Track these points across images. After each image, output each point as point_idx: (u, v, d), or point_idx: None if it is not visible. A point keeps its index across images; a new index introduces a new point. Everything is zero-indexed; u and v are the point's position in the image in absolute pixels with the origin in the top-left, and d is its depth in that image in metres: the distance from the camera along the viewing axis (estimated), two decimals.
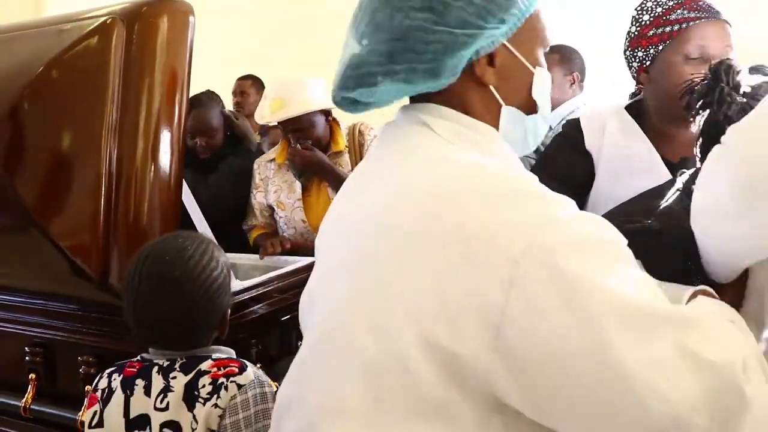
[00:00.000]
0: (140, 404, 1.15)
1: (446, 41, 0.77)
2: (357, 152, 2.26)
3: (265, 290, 1.64)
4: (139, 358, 1.22)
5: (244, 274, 1.89)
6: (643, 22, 1.36)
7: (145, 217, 1.36)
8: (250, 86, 3.74)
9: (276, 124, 2.46)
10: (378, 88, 0.80)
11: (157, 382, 1.15)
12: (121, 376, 1.19)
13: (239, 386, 1.14)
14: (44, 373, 1.56)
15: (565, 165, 1.39)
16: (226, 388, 1.13)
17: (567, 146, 1.43)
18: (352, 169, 2.22)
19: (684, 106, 1.06)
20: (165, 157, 1.38)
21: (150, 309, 1.16)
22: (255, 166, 2.41)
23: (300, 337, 1.60)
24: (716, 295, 0.84)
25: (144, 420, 1.15)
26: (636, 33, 1.37)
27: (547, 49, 0.86)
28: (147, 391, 1.15)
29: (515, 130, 0.85)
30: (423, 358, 0.69)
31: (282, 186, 2.33)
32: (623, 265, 0.71)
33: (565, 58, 2.56)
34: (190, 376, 1.15)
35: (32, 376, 1.56)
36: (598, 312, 0.66)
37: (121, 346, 1.47)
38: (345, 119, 2.34)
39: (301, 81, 2.25)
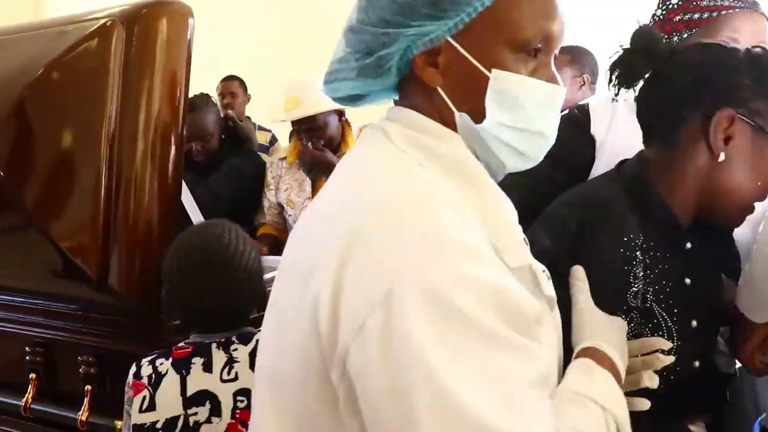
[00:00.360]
0: (199, 381, 1.20)
1: (368, 41, 0.74)
2: None
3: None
4: (184, 343, 1.26)
5: None
6: (671, 5, 1.25)
7: (145, 218, 1.37)
8: (238, 87, 3.75)
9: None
10: (338, 84, 0.80)
11: (219, 356, 1.21)
12: (170, 359, 1.23)
13: None
14: (44, 373, 1.56)
15: (565, 144, 1.11)
16: None
17: (571, 126, 1.27)
18: None
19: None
20: (164, 159, 1.38)
21: (199, 297, 1.22)
22: (267, 164, 2.45)
23: None
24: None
25: (203, 395, 1.20)
26: (661, 17, 1.26)
27: (531, 45, 0.73)
28: (207, 368, 1.21)
29: (472, 140, 0.76)
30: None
31: (292, 185, 2.35)
32: (497, 355, 0.63)
33: (575, 59, 2.53)
34: (251, 345, 1.22)
35: (32, 375, 1.57)
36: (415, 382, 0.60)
37: (122, 346, 1.48)
38: (357, 121, 2.35)
39: (315, 80, 2.26)
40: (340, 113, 2.30)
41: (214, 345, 1.23)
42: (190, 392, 1.20)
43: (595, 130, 1.29)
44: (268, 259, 1.91)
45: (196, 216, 1.58)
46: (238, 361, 1.21)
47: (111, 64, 1.37)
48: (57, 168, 1.42)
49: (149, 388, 1.22)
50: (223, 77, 3.76)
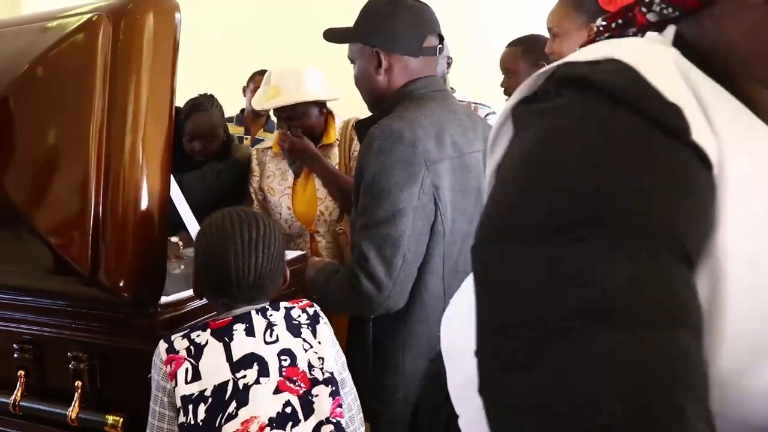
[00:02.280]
0: (243, 346, 1.28)
1: None
2: (347, 147, 2.31)
3: None
4: (223, 315, 1.33)
5: None
6: None
7: (134, 213, 1.37)
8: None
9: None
10: None
11: (259, 321, 1.31)
12: (208, 330, 1.29)
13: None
14: (33, 370, 1.56)
15: None
16: (317, 315, 1.38)
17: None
18: (340, 162, 2.27)
19: None
20: (153, 153, 1.38)
21: (250, 269, 1.30)
22: (253, 152, 2.47)
23: None
24: None
25: (250, 358, 1.28)
26: None
27: None
28: (249, 332, 1.29)
29: None
30: None
31: (275, 173, 2.38)
32: None
33: (528, 50, 2.47)
34: (282, 312, 1.35)
35: (21, 373, 1.56)
36: None
37: (112, 341, 1.48)
38: (343, 114, 2.39)
39: (297, 71, 2.29)
40: (321, 105, 2.32)
41: (253, 311, 1.32)
42: (236, 357, 1.27)
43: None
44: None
45: (185, 210, 1.58)
46: (277, 325, 1.32)
47: (98, 59, 1.36)
48: (45, 164, 1.42)
49: (190, 359, 1.26)
50: (256, 71, 3.60)
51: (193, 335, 1.28)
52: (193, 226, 1.61)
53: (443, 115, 1.53)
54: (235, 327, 1.29)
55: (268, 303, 1.36)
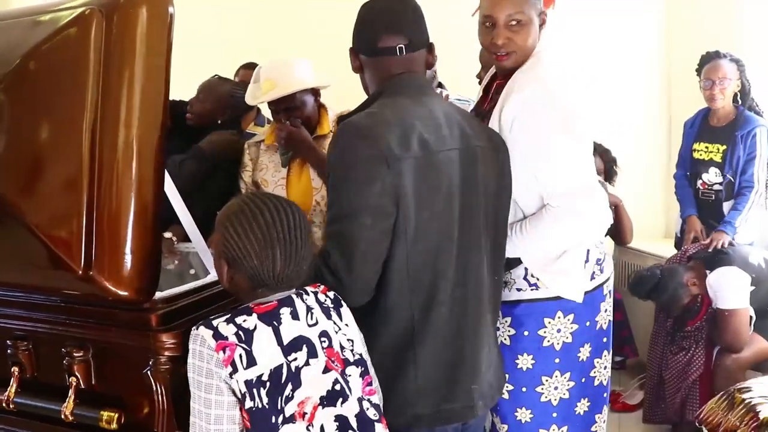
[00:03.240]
0: (292, 329, 1.31)
1: None
2: None
3: None
4: (266, 300, 1.33)
5: None
6: None
7: (128, 208, 1.36)
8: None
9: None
10: None
11: (300, 306, 1.34)
12: (254, 315, 1.29)
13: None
14: (27, 366, 1.55)
15: None
16: (338, 298, 1.42)
17: None
18: None
19: None
20: (146, 148, 1.38)
21: (293, 258, 1.32)
22: (245, 147, 2.46)
23: None
24: None
25: (299, 341, 1.31)
26: None
27: None
28: (294, 316, 1.32)
29: None
30: None
31: (268, 166, 2.38)
32: None
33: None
34: (312, 296, 1.38)
35: (15, 369, 1.56)
36: None
37: (106, 337, 1.47)
38: (336, 107, 2.39)
39: (288, 61, 2.31)
40: (316, 93, 2.33)
41: (294, 295, 1.35)
42: (286, 340, 1.29)
43: None
44: None
45: (179, 205, 1.58)
46: (314, 308, 1.36)
47: (91, 53, 1.35)
48: (38, 159, 1.41)
49: (242, 345, 1.24)
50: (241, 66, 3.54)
51: (238, 320, 1.26)
52: (187, 221, 1.60)
53: (414, 113, 1.53)
54: (281, 311, 1.31)
55: (297, 290, 1.38)
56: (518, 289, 1.85)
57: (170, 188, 1.52)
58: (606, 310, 1.96)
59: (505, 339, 1.89)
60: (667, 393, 2.92)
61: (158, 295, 1.44)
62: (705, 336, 2.87)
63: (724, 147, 3.10)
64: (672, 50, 4.08)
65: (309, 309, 1.35)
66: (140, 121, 1.37)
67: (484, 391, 1.64)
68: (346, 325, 1.39)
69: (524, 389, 1.90)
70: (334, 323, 1.37)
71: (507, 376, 1.83)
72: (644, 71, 4.11)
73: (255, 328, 1.27)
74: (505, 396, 1.88)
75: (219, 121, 2.67)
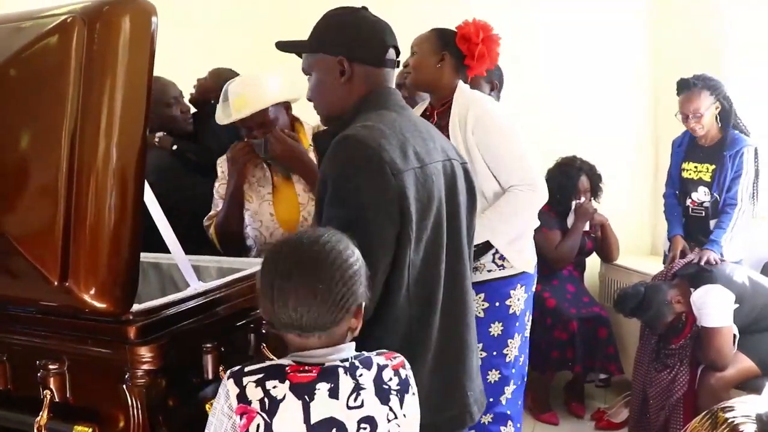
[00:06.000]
0: (325, 408, 1.16)
1: None
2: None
3: (228, 292, 1.63)
4: (293, 361, 1.20)
5: (208, 276, 1.88)
6: None
7: (106, 219, 1.34)
8: None
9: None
10: None
11: (346, 382, 1.19)
12: (287, 382, 1.17)
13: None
14: (1, 379, 1.52)
15: None
16: (408, 378, 1.27)
17: None
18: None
19: None
20: (127, 159, 1.36)
21: (294, 296, 1.19)
22: (219, 161, 2.42)
23: (262, 340, 1.60)
24: None
25: (329, 423, 1.17)
26: None
27: None
28: (333, 394, 1.17)
29: None
30: None
31: (250, 180, 2.33)
32: None
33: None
34: (373, 372, 1.22)
35: None
36: None
37: (83, 350, 1.45)
38: (311, 120, 2.36)
39: (257, 77, 2.28)
40: (287, 107, 2.31)
41: (341, 370, 1.20)
42: (314, 419, 1.16)
43: None
44: (253, 261, 1.90)
45: (159, 217, 1.56)
46: (365, 388, 1.20)
47: (72, 62, 1.33)
48: (14, 167, 1.39)
49: (263, 414, 1.15)
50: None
51: (269, 385, 1.16)
52: (166, 232, 1.58)
53: (404, 126, 1.53)
54: (318, 386, 1.17)
55: (358, 357, 1.23)
56: (489, 271, 2.39)
57: (150, 199, 1.50)
58: (534, 281, 2.55)
59: (479, 312, 2.36)
60: (651, 411, 2.92)
61: (136, 307, 1.42)
62: (689, 354, 2.87)
63: (713, 167, 3.12)
64: (658, 67, 4.12)
65: (358, 388, 1.19)
66: (121, 131, 1.35)
67: (478, 397, 1.67)
68: (404, 415, 1.23)
69: (495, 353, 2.41)
70: (391, 409, 1.21)
71: (481, 345, 2.28)
72: (630, 88, 4.14)
73: (284, 398, 1.16)
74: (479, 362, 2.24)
75: (212, 101, 2.75)
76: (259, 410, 1.16)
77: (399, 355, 1.30)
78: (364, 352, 1.26)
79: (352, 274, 1.21)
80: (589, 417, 3.51)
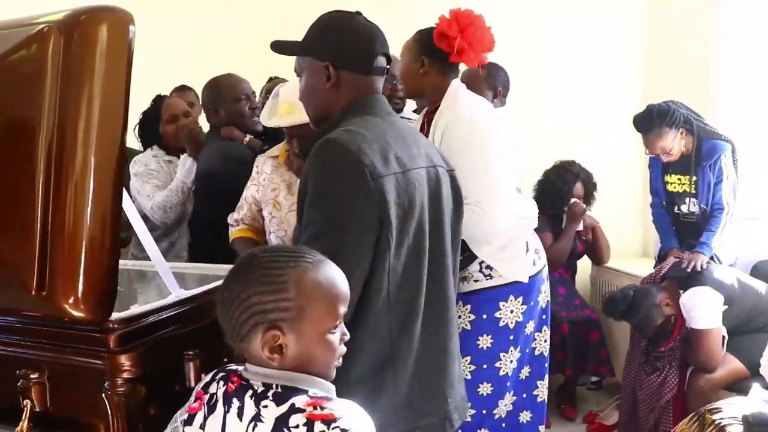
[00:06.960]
0: (234, 425, 1.12)
1: None
2: None
3: (210, 299, 1.63)
4: (241, 370, 1.17)
5: (193, 284, 1.88)
6: None
7: (84, 226, 1.34)
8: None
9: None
10: None
11: (250, 407, 1.10)
12: (225, 387, 1.16)
13: None
14: None
15: None
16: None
17: None
18: None
19: None
20: (104, 167, 1.36)
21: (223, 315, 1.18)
22: (257, 160, 2.43)
23: None
24: None
25: None
26: None
27: None
28: (240, 414, 1.11)
29: None
30: None
31: (281, 185, 2.34)
32: None
33: (490, 74, 2.99)
34: (283, 409, 1.07)
35: None
36: None
37: (63, 359, 1.44)
38: None
39: None
40: None
41: (248, 393, 1.12)
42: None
43: None
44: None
45: (138, 224, 1.56)
46: (263, 422, 1.07)
47: (49, 71, 1.34)
48: None
49: (206, 408, 1.18)
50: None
51: (220, 385, 1.17)
52: (147, 241, 1.58)
53: (387, 132, 1.54)
54: (233, 400, 1.13)
55: (279, 387, 1.11)
56: (476, 281, 2.28)
57: (129, 206, 1.50)
58: (544, 291, 2.43)
59: (466, 324, 2.26)
60: (640, 413, 2.92)
61: (115, 315, 1.42)
62: (679, 356, 2.87)
63: (695, 178, 3.13)
64: (650, 72, 4.13)
65: (256, 419, 1.09)
66: (98, 139, 1.35)
67: (458, 404, 1.66)
68: None
69: (485, 366, 2.30)
70: None
71: (469, 357, 2.25)
72: (622, 92, 4.15)
73: (218, 401, 1.17)
74: (468, 376, 2.21)
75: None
76: (206, 402, 1.18)
77: (337, 410, 1.07)
78: (298, 388, 1.11)
79: (261, 292, 1.11)
80: (580, 419, 3.51)
